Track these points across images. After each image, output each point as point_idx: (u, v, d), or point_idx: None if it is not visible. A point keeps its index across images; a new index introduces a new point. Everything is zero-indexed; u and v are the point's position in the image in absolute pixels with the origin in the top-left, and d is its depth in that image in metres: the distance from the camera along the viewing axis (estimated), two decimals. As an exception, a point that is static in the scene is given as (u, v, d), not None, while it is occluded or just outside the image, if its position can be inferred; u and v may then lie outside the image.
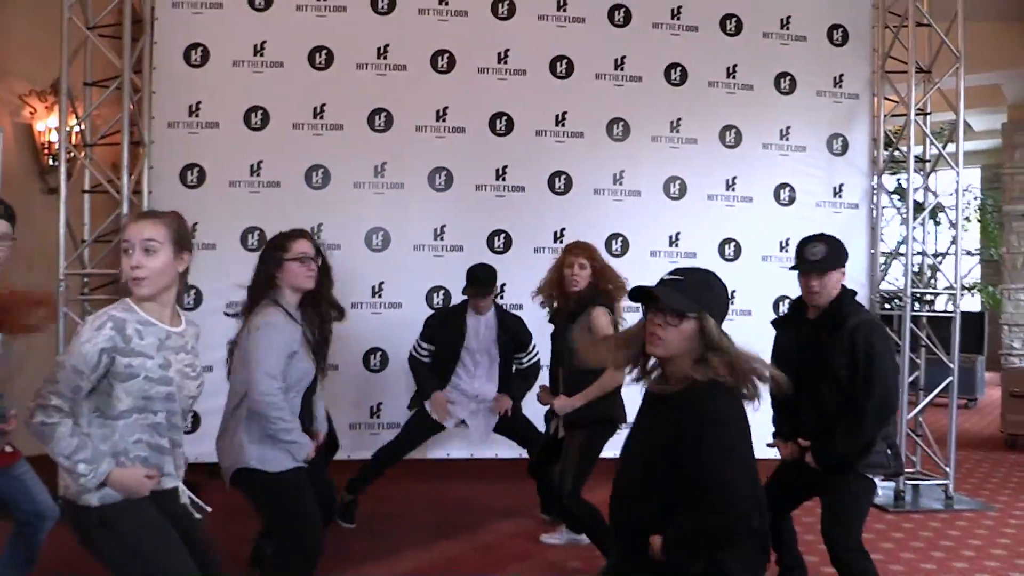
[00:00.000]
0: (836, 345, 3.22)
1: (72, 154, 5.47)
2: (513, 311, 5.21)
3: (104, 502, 2.33)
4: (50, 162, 6.10)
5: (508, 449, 5.40)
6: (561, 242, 5.72)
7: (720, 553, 2.06)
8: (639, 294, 2.21)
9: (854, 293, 3.40)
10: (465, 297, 4.90)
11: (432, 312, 5.38)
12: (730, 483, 2.00)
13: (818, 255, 3.34)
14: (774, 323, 3.68)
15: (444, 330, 4.96)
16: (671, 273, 2.22)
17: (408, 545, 4.53)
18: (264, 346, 3.13)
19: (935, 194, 6.38)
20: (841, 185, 6.18)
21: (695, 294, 2.15)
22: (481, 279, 4.82)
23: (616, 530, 2.27)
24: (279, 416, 3.11)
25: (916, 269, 6.14)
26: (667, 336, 2.13)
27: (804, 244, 3.42)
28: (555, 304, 4.42)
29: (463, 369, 4.97)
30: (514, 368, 5.04)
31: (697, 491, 2.02)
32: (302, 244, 3.31)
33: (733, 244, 6.02)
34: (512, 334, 4.97)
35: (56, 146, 5.64)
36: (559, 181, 5.89)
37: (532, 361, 5.05)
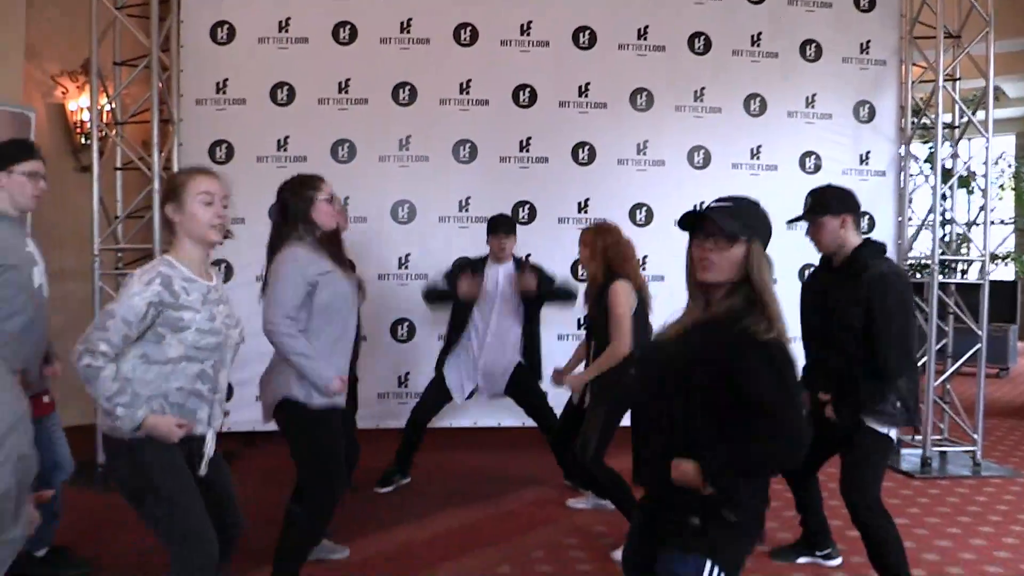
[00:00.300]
0: (852, 296, 3.23)
1: (104, 133, 5.57)
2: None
3: (135, 436, 2.48)
4: (82, 141, 6.22)
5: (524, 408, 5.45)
6: (585, 213, 5.79)
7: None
8: (688, 220, 2.19)
9: (881, 247, 3.40)
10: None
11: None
12: (784, 408, 1.99)
13: (806, 206, 3.43)
14: (807, 278, 3.73)
15: (462, 274, 4.92)
16: (719, 200, 2.19)
17: (434, 511, 4.62)
18: (280, 278, 3.21)
19: (965, 163, 6.30)
20: (868, 153, 6.13)
21: (745, 219, 2.14)
22: (505, 220, 4.91)
23: (644, 466, 2.27)
24: (290, 344, 3.17)
25: (947, 239, 6.09)
26: (718, 260, 2.11)
27: None
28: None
29: (479, 315, 4.95)
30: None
31: (745, 417, 2.02)
32: (327, 186, 3.42)
33: (759, 212, 5.99)
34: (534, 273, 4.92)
35: (88, 125, 5.75)
36: (583, 152, 5.91)
37: (566, 287, 5.01)
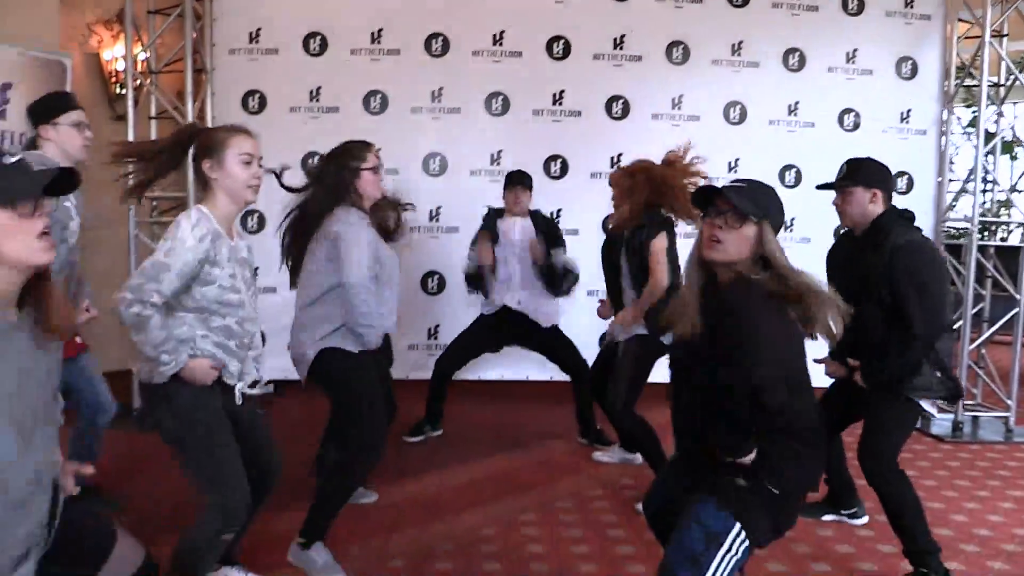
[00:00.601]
0: (876, 264, 3.16)
1: (138, 82, 5.60)
2: (568, 235, 5.21)
3: (172, 382, 2.54)
4: (117, 90, 6.25)
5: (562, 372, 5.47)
6: (618, 167, 5.71)
7: (771, 451, 2.09)
8: (702, 197, 2.20)
9: (906, 215, 3.31)
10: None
11: None
12: (754, 374, 2.00)
13: (840, 173, 3.33)
14: (831, 247, 3.64)
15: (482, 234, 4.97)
16: (733, 181, 2.22)
17: (460, 460, 4.68)
18: (353, 240, 3.23)
19: (1011, 125, 6.12)
20: (909, 111, 5.98)
21: (758, 200, 2.14)
22: (521, 174, 4.91)
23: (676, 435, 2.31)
24: (364, 301, 3.22)
25: (987, 204, 5.94)
26: (726, 239, 2.12)
27: None
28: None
29: (502, 271, 4.95)
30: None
31: (728, 384, 2.05)
32: (373, 155, 3.41)
33: (794, 171, 5.92)
34: (546, 232, 4.94)
35: (123, 74, 5.79)
36: (616, 106, 5.84)
37: (573, 271, 4.97)
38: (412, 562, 3.36)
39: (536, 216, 5.01)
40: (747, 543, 2.07)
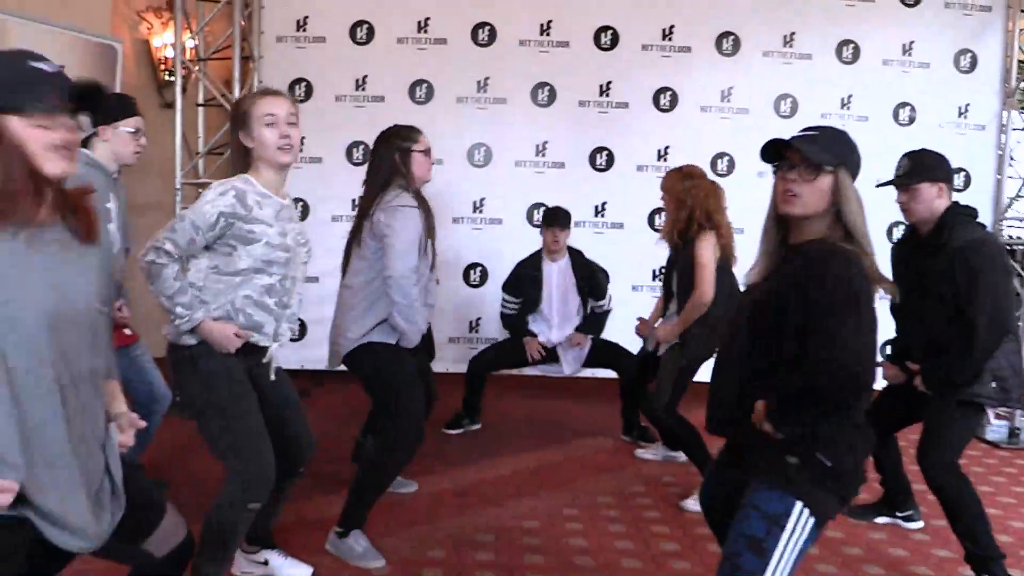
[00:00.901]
0: (938, 265, 3.04)
1: (187, 69, 5.63)
2: (613, 229, 5.16)
3: (198, 342, 2.54)
4: (166, 77, 6.30)
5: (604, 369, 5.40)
6: (665, 161, 5.63)
7: (822, 427, 1.99)
8: (772, 150, 2.08)
9: (969, 211, 3.19)
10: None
11: (520, 262, 5.16)
12: (842, 341, 1.89)
13: (901, 169, 3.18)
14: (895, 244, 3.52)
15: (523, 281, 4.99)
16: (804, 129, 2.08)
17: (501, 453, 4.62)
18: (401, 228, 3.18)
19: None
20: (967, 105, 5.80)
21: (832, 147, 2.02)
22: (562, 213, 4.85)
23: (716, 408, 2.18)
24: (407, 293, 3.18)
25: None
26: (802, 192, 2.00)
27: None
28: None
29: (542, 319, 4.99)
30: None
31: (804, 351, 1.94)
32: (425, 138, 3.38)
33: (846, 166, 5.76)
34: (588, 279, 4.93)
35: (172, 62, 5.82)
36: (664, 98, 5.74)
37: (604, 310, 4.99)
38: (452, 552, 3.31)
39: (576, 259, 4.97)
40: (812, 520, 1.97)
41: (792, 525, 1.95)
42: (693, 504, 3.71)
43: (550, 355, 5.02)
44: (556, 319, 4.97)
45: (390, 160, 3.28)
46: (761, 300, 2.06)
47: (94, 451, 1.69)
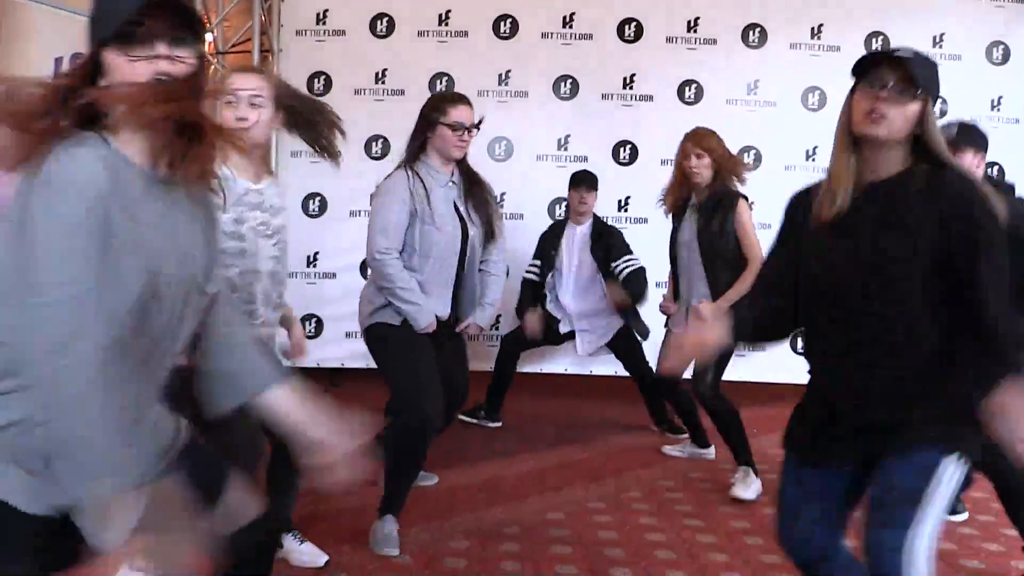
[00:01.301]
0: None
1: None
2: (636, 224, 5.04)
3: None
4: (185, 72, 6.26)
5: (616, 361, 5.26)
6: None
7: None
8: (870, 61, 1.87)
9: (1006, 186, 3.08)
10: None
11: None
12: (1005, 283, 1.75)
13: (946, 137, 3.10)
14: None
15: (545, 241, 4.94)
16: (895, 49, 1.89)
17: (524, 449, 4.50)
18: (377, 207, 3.10)
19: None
20: (1000, 98, 5.66)
21: (928, 72, 1.84)
22: (589, 175, 4.78)
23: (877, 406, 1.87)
24: (391, 274, 3.04)
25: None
26: (890, 113, 1.81)
27: None
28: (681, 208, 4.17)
29: (560, 283, 4.91)
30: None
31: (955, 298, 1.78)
32: (461, 111, 3.13)
33: (876, 160, 5.64)
34: (605, 245, 4.79)
35: (191, 55, 5.78)
36: (689, 90, 5.63)
37: (631, 268, 4.77)
38: (477, 543, 3.19)
39: (596, 224, 4.87)
40: (965, 464, 1.79)
41: (950, 474, 1.77)
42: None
43: (565, 336, 4.93)
44: (571, 285, 4.88)
45: (416, 134, 3.18)
46: (869, 248, 1.86)
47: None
